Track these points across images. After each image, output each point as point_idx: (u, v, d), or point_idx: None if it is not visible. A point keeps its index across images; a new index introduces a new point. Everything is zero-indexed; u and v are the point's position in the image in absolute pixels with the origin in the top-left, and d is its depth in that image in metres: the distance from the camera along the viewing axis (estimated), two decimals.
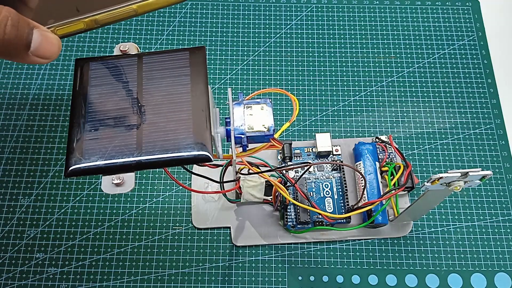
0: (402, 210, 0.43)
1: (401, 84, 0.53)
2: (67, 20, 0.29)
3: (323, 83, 0.53)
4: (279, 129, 0.35)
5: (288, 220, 0.44)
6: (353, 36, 0.56)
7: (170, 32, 0.55)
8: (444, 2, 0.58)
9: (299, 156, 0.47)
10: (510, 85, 0.53)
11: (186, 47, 0.32)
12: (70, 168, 0.27)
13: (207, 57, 0.54)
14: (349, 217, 0.44)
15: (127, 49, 0.32)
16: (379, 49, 0.55)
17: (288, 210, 0.44)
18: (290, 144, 0.47)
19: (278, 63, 0.54)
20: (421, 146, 0.50)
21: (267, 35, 0.56)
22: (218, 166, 0.42)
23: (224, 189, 0.43)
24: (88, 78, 0.30)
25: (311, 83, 0.53)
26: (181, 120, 0.29)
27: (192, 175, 0.45)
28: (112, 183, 0.28)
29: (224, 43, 0.55)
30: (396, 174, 0.45)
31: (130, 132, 0.28)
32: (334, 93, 0.52)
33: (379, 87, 0.53)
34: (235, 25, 0.56)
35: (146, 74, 0.30)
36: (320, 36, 0.56)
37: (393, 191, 0.43)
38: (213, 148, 0.31)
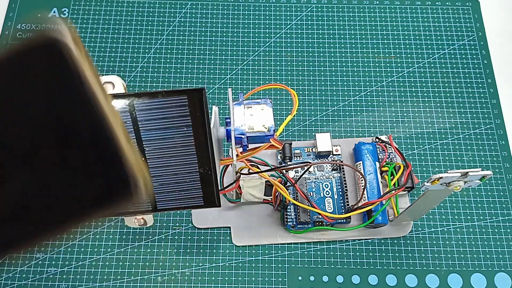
0: (402, 210, 0.43)
1: (401, 84, 0.53)
2: None
3: (323, 83, 0.53)
4: (281, 124, 0.36)
5: (288, 220, 0.44)
6: (353, 36, 0.56)
7: (170, 32, 0.55)
8: (444, 2, 0.58)
9: (299, 156, 0.47)
10: (510, 85, 0.53)
11: (183, 89, 0.28)
12: None
13: (207, 57, 0.54)
14: (349, 217, 0.44)
15: (113, 90, 0.29)
16: (379, 49, 0.55)
17: (288, 210, 0.44)
18: (290, 144, 0.47)
19: (278, 63, 0.54)
20: (421, 146, 0.50)
21: (267, 35, 0.56)
22: None
23: (224, 189, 0.43)
24: None
25: (311, 83, 0.53)
26: (188, 172, 0.29)
27: None
28: (134, 222, 0.31)
29: (224, 43, 0.55)
30: (396, 174, 0.45)
31: None
32: (334, 93, 0.52)
33: (379, 87, 0.53)
34: (235, 25, 0.56)
35: (143, 125, 0.28)
36: (320, 36, 0.56)
37: (393, 191, 0.43)
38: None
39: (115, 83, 0.28)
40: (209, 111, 0.29)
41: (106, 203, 0.18)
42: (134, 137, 0.28)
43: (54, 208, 0.18)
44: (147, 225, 0.32)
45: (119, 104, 0.27)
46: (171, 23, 0.56)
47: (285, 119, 0.35)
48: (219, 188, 0.41)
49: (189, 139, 0.28)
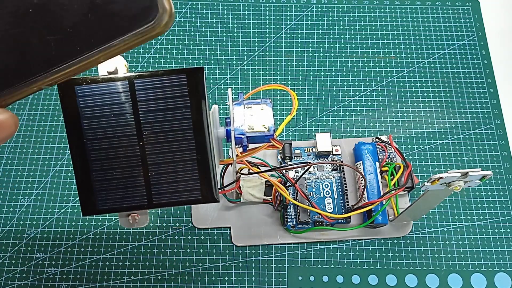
0: (402, 210, 0.43)
1: (401, 84, 0.53)
2: (18, 86, 0.22)
3: (323, 83, 0.53)
4: (280, 125, 0.36)
5: (288, 220, 0.44)
6: (353, 36, 0.56)
7: (170, 32, 0.55)
8: (444, 2, 0.58)
9: (299, 156, 0.47)
10: (510, 85, 0.53)
11: (183, 68, 0.28)
12: (87, 209, 0.29)
13: (207, 57, 0.54)
14: (349, 217, 0.44)
15: (114, 69, 0.29)
16: (379, 49, 0.55)
17: (288, 210, 0.44)
18: (290, 144, 0.47)
19: (278, 63, 0.54)
20: (421, 146, 0.50)
21: (267, 35, 0.55)
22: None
23: (224, 189, 0.43)
24: (78, 108, 0.27)
25: (311, 83, 0.53)
26: (185, 160, 0.28)
27: None
28: (128, 221, 0.30)
29: (224, 43, 0.55)
30: (396, 174, 0.45)
31: (137, 173, 0.28)
32: (334, 93, 0.52)
33: (379, 87, 0.53)
34: (235, 25, 0.56)
35: (142, 105, 0.28)
36: (320, 36, 0.56)
37: (393, 191, 0.43)
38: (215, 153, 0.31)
39: (117, 63, 0.29)
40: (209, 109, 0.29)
41: (135, 26, 0.21)
42: (133, 119, 0.28)
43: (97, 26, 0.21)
44: (142, 225, 0.31)
45: (120, 84, 0.27)
46: None
47: (285, 119, 0.35)
48: (219, 187, 0.41)
49: (188, 122, 0.28)
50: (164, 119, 0.28)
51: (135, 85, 0.27)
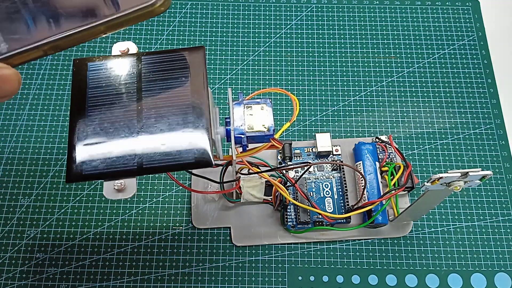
0: (402, 210, 0.43)
1: (401, 84, 0.53)
2: (24, 48, 0.25)
3: (323, 83, 0.53)
4: (280, 129, 0.35)
5: (288, 220, 0.44)
6: (353, 36, 0.56)
7: (170, 32, 0.55)
8: (444, 2, 0.58)
9: (299, 156, 0.47)
10: (510, 85, 0.53)
11: (185, 47, 0.31)
12: (71, 174, 0.27)
13: (207, 57, 0.54)
14: (349, 217, 0.44)
15: (126, 50, 0.31)
16: (379, 49, 0.55)
17: (288, 210, 0.44)
18: (290, 144, 0.47)
19: (278, 63, 0.54)
20: (421, 146, 0.50)
21: (267, 35, 0.56)
22: (218, 165, 0.42)
23: (224, 189, 0.43)
24: (87, 80, 0.29)
25: (311, 83, 0.53)
26: (181, 124, 0.29)
27: (192, 175, 0.45)
28: (114, 188, 0.28)
29: (224, 43, 0.55)
30: (396, 174, 0.45)
31: (131, 136, 0.28)
32: (334, 93, 0.52)
33: (379, 87, 0.53)
34: (235, 25, 0.56)
35: (145, 76, 0.30)
36: (320, 36, 0.56)
37: (393, 191, 0.43)
38: (214, 150, 0.31)
39: (130, 47, 0.32)
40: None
41: (136, 3, 0.25)
42: (136, 88, 0.29)
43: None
44: (128, 195, 0.29)
45: (131, 60, 0.30)
46: (171, 23, 0.56)
47: (285, 123, 0.35)
48: (218, 181, 0.41)
49: (186, 88, 0.30)
50: (164, 87, 0.30)
51: (142, 59, 0.30)
